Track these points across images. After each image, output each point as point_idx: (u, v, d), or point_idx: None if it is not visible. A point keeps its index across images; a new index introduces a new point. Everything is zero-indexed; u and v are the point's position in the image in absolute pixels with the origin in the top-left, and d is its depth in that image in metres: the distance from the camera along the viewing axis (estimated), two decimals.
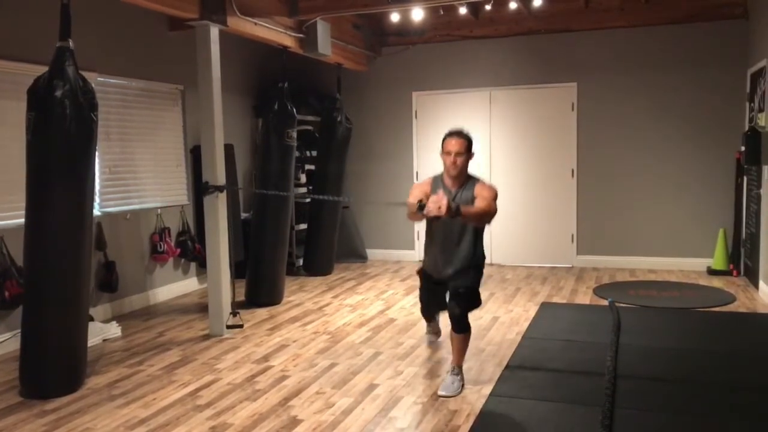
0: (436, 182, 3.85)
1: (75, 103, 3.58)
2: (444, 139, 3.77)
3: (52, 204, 3.62)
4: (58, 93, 3.52)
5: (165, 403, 3.63)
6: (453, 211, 3.33)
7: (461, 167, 3.73)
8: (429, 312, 4.43)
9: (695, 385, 3.77)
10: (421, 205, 3.35)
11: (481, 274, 3.92)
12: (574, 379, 3.89)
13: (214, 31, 4.89)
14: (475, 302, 3.85)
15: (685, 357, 4.26)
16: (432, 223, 3.85)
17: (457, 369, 3.81)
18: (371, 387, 3.81)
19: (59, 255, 3.65)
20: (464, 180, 3.79)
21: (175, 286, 6.38)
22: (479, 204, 3.61)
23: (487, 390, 3.71)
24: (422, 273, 4.17)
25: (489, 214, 3.60)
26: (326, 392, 3.75)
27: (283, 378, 4.00)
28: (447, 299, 3.86)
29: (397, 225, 7.99)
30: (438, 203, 3.28)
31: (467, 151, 3.74)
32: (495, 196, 3.68)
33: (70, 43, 3.63)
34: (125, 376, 4.09)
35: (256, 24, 5.43)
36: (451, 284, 3.84)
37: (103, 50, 5.45)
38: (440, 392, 3.69)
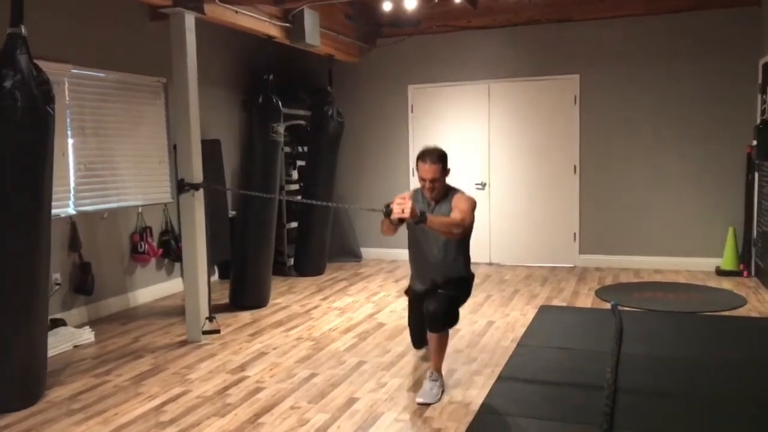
0: (416, 195, 3.74)
1: (27, 95, 3.30)
2: (417, 161, 3.61)
3: (3, 204, 3.34)
4: (8, 83, 3.24)
5: (126, 419, 3.35)
6: (418, 216, 3.21)
7: (438, 191, 3.62)
8: (417, 339, 3.97)
9: (702, 398, 3.46)
10: (388, 210, 3.22)
11: (466, 290, 3.75)
12: (571, 392, 3.60)
13: (190, 19, 4.60)
14: (453, 308, 3.62)
15: (691, 366, 3.95)
16: (412, 235, 3.73)
17: (436, 374, 3.59)
18: (350, 401, 3.53)
19: (11, 260, 3.37)
20: (443, 193, 3.67)
21: (157, 288, 6.11)
22: (453, 215, 3.48)
23: (476, 405, 3.41)
24: (409, 293, 3.97)
25: (458, 224, 3.41)
26: (301, 407, 3.47)
27: (258, 390, 3.72)
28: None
29: None
30: (402, 205, 3.15)
31: (442, 174, 3.60)
32: (472, 208, 3.54)
33: (23, 30, 3.35)
34: (90, 387, 3.82)
35: (237, 12, 5.14)
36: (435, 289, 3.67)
37: (77, 41, 5.17)
38: (418, 399, 3.48)
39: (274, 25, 5.70)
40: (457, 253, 3.64)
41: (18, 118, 3.28)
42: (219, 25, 5.22)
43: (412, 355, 4.26)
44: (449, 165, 3.63)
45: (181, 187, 4.66)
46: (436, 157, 3.56)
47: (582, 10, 6.94)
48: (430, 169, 3.54)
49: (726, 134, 6.66)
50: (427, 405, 3.42)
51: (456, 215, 3.47)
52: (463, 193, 3.66)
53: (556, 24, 7.10)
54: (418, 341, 3.97)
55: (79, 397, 3.67)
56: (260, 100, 5.60)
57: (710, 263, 6.74)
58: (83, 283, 5.21)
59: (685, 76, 6.75)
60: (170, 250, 6.09)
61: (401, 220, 3.27)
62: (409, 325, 4.04)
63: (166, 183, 6.21)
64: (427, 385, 3.55)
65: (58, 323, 4.84)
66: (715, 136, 6.70)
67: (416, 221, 3.24)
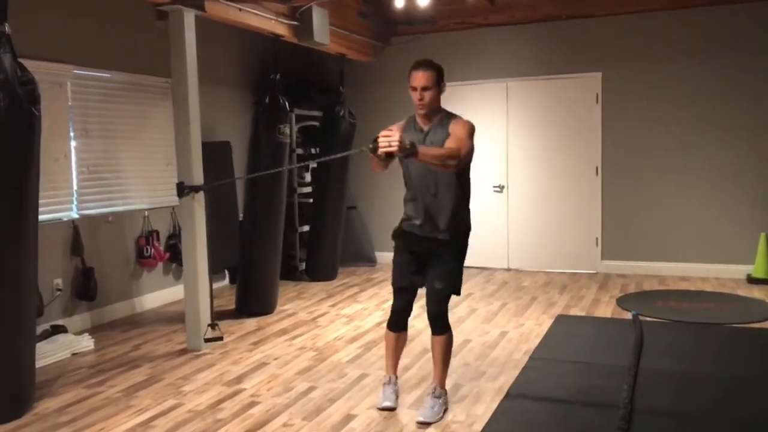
0: (409, 122, 3.36)
1: (11, 95, 3.18)
2: (410, 72, 3.22)
3: None
4: None
5: None
6: (407, 149, 2.85)
7: (429, 102, 3.21)
8: (400, 280, 3.39)
9: (728, 420, 3.19)
10: (374, 147, 2.88)
11: (463, 255, 3.37)
12: (583, 412, 3.35)
13: (189, 17, 4.45)
14: (455, 292, 3.35)
15: (716, 384, 3.67)
16: (406, 171, 3.36)
17: (439, 390, 3.35)
18: (347, 419, 3.33)
19: None
20: (439, 117, 3.28)
21: (164, 293, 5.99)
22: (449, 144, 3.11)
23: (480, 425, 3.19)
24: (399, 235, 3.43)
25: (453, 155, 3.03)
26: (294, 424, 3.28)
27: (252, 405, 3.54)
28: (425, 283, 3.36)
29: None
30: (389, 138, 2.82)
31: (436, 84, 3.20)
32: (470, 134, 3.17)
33: (6, 28, 3.22)
34: (81, 399, 3.68)
35: (240, 10, 4.98)
36: (430, 274, 3.32)
37: (81, 41, 5.07)
38: (419, 418, 3.25)
39: (282, 24, 5.53)
40: (453, 191, 3.25)
41: (0, 119, 3.15)
42: (230, 24, 5.07)
43: (417, 369, 4.05)
44: (445, 82, 3.27)
45: (181, 190, 4.51)
46: (431, 65, 3.20)
47: (604, 5, 6.64)
48: (423, 76, 3.15)
49: (758, 134, 6.32)
50: (427, 424, 3.20)
51: (451, 144, 3.09)
52: (461, 117, 3.28)
53: (576, 20, 6.82)
54: (400, 317, 3.45)
55: (67, 410, 3.53)
56: (267, 100, 5.44)
57: (741, 270, 6.39)
58: (85, 289, 5.10)
59: (714, 74, 6.42)
60: (178, 254, 5.95)
61: (389, 155, 2.91)
62: (394, 264, 3.43)
63: (174, 185, 6.07)
64: (428, 402, 3.33)
65: (59, 330, 4.73)
66: (745, 136, 6.36)
67: (406, 155, 2.89)
